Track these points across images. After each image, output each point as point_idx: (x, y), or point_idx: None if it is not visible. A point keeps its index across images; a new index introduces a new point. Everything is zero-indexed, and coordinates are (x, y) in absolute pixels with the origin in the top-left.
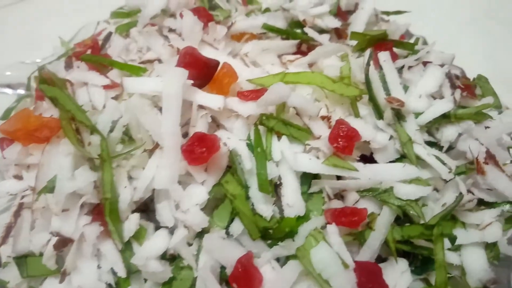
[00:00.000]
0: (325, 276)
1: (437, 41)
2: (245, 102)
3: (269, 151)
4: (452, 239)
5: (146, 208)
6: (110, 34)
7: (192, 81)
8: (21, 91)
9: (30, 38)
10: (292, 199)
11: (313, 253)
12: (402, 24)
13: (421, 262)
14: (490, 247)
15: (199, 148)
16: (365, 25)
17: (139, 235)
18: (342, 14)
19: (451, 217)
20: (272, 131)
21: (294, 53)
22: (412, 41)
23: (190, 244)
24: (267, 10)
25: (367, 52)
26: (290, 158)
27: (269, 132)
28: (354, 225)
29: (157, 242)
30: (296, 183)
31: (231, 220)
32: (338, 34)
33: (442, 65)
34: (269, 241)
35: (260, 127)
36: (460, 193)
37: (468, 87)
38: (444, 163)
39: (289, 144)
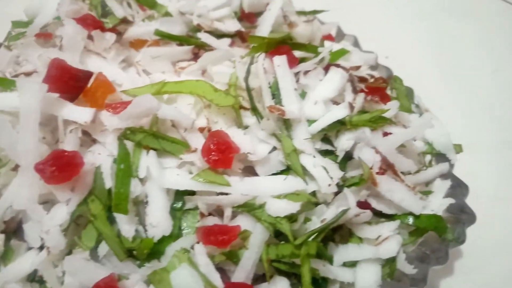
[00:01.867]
0: None
1: (391, 37)
2: (114, 115)
3: (136, 167)
4: (329, 258)
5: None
6: None
7: (57, 95)
8: None
9: None
10: (157, 218)
11: (173, 276)
12: (330, 23)
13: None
14: (389, 263)
15: (49, 167)
16: (273, 27)
17: (7, 257)
18: (249, 16)
19: (347, 231)
20: (140, 145)
21: (192, 59)
22: (344, 41)
23: (56, 266)
24: (168, 14)
25: (260, 57)
26: (155, 175)
27: (136, 147)
28: (222, 244)
29: (21, 264)
30: (163, 201)
31: (99, 241)
32: (242, 37)
33: (357, 67)
34: (138, 262)
35: (129, 143)
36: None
37: (379, 90)
38: (330, 176)
39: (158, 159)
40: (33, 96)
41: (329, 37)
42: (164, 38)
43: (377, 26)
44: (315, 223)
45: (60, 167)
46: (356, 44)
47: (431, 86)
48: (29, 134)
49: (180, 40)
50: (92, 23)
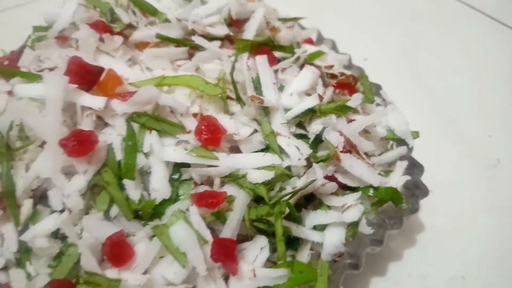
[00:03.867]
0: (183, 249)
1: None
2: (122, 102)
3: (141, 144)
4: (299, 217)
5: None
6: (24, 47)
7: (76, 86)
8: None
9: None
10: (157, 185)
11: (171, 230)
12: (311, 28)
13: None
14: (353, 227)
15: (71, 143)
16: (257, 31)
17: (35, 218)
18: (236, 22)
19: (318, 201)
20: (144, 126)
21: (187, 58)
22: (324, 44)
23: (76, 225)
24: (167, 21)
25: (244, 56)
26: (156, 150)
27: (141, 128)
28: (212, 206)
29: (46, 223)
30: (163, 171)
31: (111, 204)
32: (231, 40)
33: (330, 66)
34: (143, 222)
35: (135, 124)
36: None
37: (347, 85)
38: (301, 152)
39: (159, 138)
40: (57, 87)
41: (309, 41)
42: (164, 40)
43: (360, 33)
44: (287, 192)
45: (80, 142)
46: (334, 47)
47: (400, 83)
48: (53, 117)
49: (177, 42)
50: (102, 27)
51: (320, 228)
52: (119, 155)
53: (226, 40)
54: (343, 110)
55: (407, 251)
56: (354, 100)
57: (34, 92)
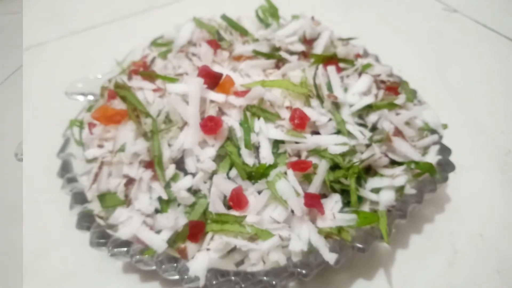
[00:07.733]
0: (284, 198)
1: (396, 56)
2: (238, 98)
3: (252, 126)
4: (364, 178)
5: (181, 162)
6: (154, 57)
7: (206, 86)
8: (90, 97)
9: (88, 61)
10: (265, 154)
11: (277, 185)
12: (359, 45)
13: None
14: (400, 190)
15: (209, 124)
16: (324, 48)
17: (175, 178)
18: (308, 41)
19: (373, 172)
20: (254, 114)
21: (274, 68)
22: (369, 58)
23: (205, 182)
24: (256, 40)
25: (319, 66)
26: (264, 130)
27: (252, 115)
28: (303, 170)
29: (185, 181)
30: (268, 146)
31: (230, 168)
32: (304, 55)
33: (378, 75)
34: (253, 181)
35: (248, 113)
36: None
37: (393, 88)
38: (364, 135)
39: (265, 123)
40: (196, 86)
41: (358, 55)
42: (259, 54)
43: (395, 48)
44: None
45: (215, 124)
46: (377, 60)
47: (430, 90)
48: (194, 106)
49: (268, 56)
50: (215, 45)
51: (376, 191)
52: (238, 134)
53: (301, 55)
54: (392, 106)
55: (438, 216)
56: (400, 99)
57: (180, 89)
